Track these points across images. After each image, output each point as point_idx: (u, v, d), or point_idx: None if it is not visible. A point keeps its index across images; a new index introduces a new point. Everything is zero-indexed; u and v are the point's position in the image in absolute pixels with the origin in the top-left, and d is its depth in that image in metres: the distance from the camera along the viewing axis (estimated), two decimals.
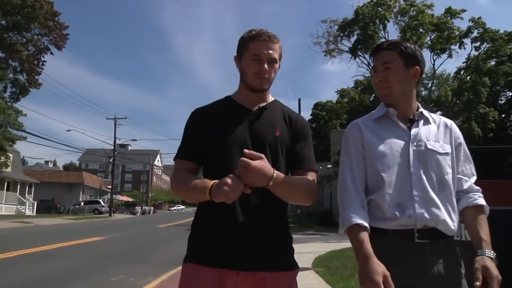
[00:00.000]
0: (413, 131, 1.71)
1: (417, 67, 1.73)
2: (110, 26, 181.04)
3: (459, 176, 1.75)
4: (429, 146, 1.68)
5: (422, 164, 1.66)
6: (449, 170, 1.70)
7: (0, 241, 13.56)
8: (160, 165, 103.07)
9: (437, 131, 1.75)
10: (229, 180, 1.51)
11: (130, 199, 67.94)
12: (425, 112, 1.78)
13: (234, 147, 1.68)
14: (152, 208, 61.18)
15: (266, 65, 1.72)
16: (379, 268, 1.46)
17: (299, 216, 32.33)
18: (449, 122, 1.81)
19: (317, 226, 30.69)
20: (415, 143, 1.69)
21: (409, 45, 1.74)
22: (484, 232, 1.63)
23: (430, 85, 37.59)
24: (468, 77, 33.41)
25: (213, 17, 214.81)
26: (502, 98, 41.24)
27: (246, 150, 1.55)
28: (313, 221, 34.31)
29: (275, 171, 1.58)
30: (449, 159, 1.71)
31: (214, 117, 1.76)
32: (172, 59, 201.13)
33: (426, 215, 1.59)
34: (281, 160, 1.71)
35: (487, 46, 32.10)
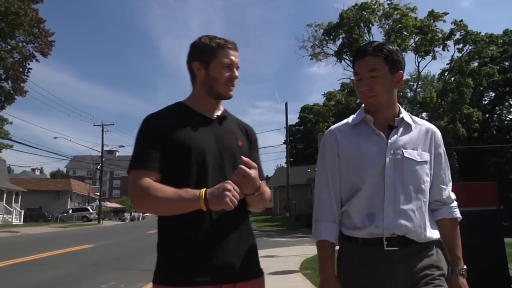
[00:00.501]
0: (391, 138, 1.69)
1: (401, 71, 1.71)
2: (96, 32, 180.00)
3: (438, 185, 1.75)
4: (406, 155, 1.67)
5: (398, 173, 1.65)
6: (427, 179, 1.70)
7: None
8: None
9: (416, 138, 1.72)
10: (230, 186, 1.48)
11: (118, 206, 67.48)
12: (407, 117, 1.75)
13: (205, 155, 1.64)
14: (141, 214, 60.83)
15: (236, 73, 1.74)
16: (337, 285, 1.64)
17: (287, 219, 32.54)
18: (431, 128, 1.78)
19: (306, 229, 30.83)
20: (392, 151, 1.67)
21: (392, 48, 1.70)
22: (458, 248, 1.73)
23: (415, 86, 38.17)
24: (452, 78, 34.02)
25: (200, 21, 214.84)
26: (486, 98, 42.07)
27: (244, 158, 1.55)
28: (302, 224, 34.47)
29: (260, 181, 1.61)
30: (427, 167, 1.70)
31: (176, 123, 1.67)
32: (159, 63, 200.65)
33: (394, 225, 1.61)
34: None
35: (470, 48, 32.80)
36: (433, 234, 1.70)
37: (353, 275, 1.66)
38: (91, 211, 47.39)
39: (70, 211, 47.10)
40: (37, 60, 34.40)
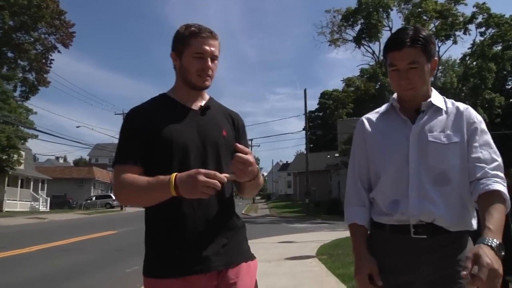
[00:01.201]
0: (416, 123, 1.65)
1: (435, 58, 1.66)
2: (115, 21, 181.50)
3: (473, 163, 1.59)
4: (430, 139, 1.61)
5: (423, 158, 1.60)
6: (456, 162, 1.59)
7: (20, 236, 14.20)
8: None
9: (445, 121, 1.65)
10: (202, 174, 1.40)
11: None
12: (436, 100, 1.68)
13: (187, 148, 1.62)
14: None
15: (209, 63, 1.68)
16: (368, 263, 1.61)
17: (307, 206, 32.78)
18: (463, 107, 1.69)
19: (325, 215, 31.06)
20: (416, 136, 1.63)
21: (426, 34, 1.62)
22: (492, 219, 1.42)
23: (435, 71, 37.54)
24: (474, 63, 33.40)
25: (218, 8, 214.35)
26: (509, 83, 41.18)
27: (238, 145, 1.51)
28: (321, 210, 34.69)
29: (257, 166, 1.59)
30: (457, 149, 1.60)
31: (157, 116, 1.66)
32: None
33: (419, 211, 1.56)
34: (229, 161, 1.63)
35: (492, 31, 32.11)
36: (468, 223, 1.60)
37: (378, 259, 1.63)
38: (113, 198, 48.44)
39: (94, 198, 48.31)
40: (59, 51, 35.27)
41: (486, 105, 33.73)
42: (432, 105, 1.66)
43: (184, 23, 1.73)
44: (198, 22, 1.72)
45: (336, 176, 38.04)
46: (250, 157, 1.51)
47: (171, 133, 1.63)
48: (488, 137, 1.65)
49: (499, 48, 33.38)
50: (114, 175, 1.65)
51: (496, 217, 1.44)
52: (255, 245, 10.27)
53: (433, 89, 1.71)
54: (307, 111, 37.11)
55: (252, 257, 1.76)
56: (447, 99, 1.72)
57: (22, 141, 33.32)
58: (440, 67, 39.04)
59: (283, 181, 72.58)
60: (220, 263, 1.62)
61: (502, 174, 1.56)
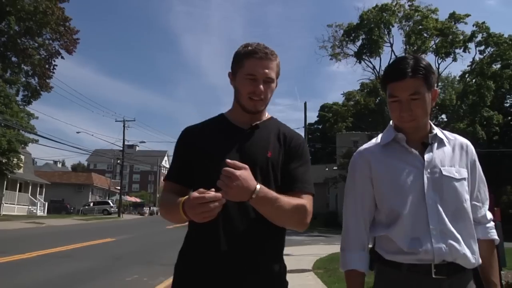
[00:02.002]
0: (427, 156, 1.59)
1: (436, 88, 1.63)
2: (118, 28, 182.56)
3: (473, 202, 1.65)
4: (444, 173, 1.57)
5: (438, 193, 1.55)
6: (467, 197, 1.59)
7: (19, 241, 14.25)
8: (167, 165, 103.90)
9: (452, 154, 1.63)
10: (195, 196, 1.35)
11: (138, 200, 68.76)
12: (439, 133, 1.66)
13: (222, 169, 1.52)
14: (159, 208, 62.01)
15: (261, 86, 1.59)
16: None
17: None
18: (465, 142, 1.70)
19: (322, 228, 31.17)
20: (429, 170, 1.57)
21: (426, 63, 1.58)
22: (495, 273, 1.62)
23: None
24: (473, 81, 33.76)
25: (221, 18, 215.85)
26: (508, 101, 41.47)
27: (229, 160, 1.38)
28: (318, 223, 34.78)
29: (258, 184, 1.42)
30: (466, 185, 1.60)
31: (205, 136, 1.66)
32: (180, 59, 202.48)
33: (445, 249, 1.51)
34: (272, 182, 1.57)
35: (491, 50, 32.52)
36: (478, 260, 1.59)
37: None
38: (111, 204, 48.54)
39: (91, 204, 48.42)
40: (62, 57, 35.49)
41: (485, 123, 34.01)
42: (436, 137, 1.63)
43: (244, 42, 1.69)
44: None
45: (334, 189, 38.18)
46: (241, 172, 1.36)
47: (211, 152, 1.61)
48: (482, 174, 1.70)
49: (498, 66, 33.77)
50: (162, 190, 1.80)
51: (496, 268, 1.62)
52: None
53: (429, 121, 1.68)
54: (307, 123, 37.38)
55: None
56: (443, 131, 1.71)
57: (23, 145, 33.45)
58: (439, 84, 39.39)
59: None
60: None
61: (491, 215, 1.71)
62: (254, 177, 1.45)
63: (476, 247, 1.58)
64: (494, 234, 1.66)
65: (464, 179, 1.60)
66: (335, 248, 12.90)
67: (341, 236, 1.69)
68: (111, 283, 7.29)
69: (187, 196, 1.43)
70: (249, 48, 1.63)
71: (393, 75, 1.58)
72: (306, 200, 1.59)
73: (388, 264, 1.59)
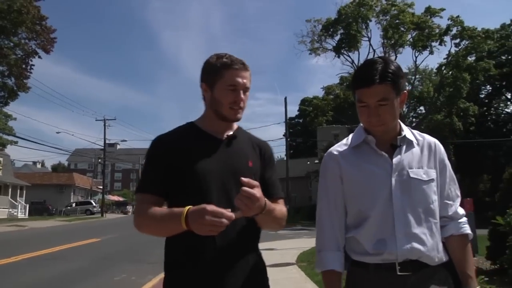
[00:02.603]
0: (395, 159, 1.61)
1: (405, 91, 1.62)
2: (96, 26, 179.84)
3: (443, 200, 1.67)
4: (412, 175, 1.60)
5: (406, 195, 1.58)
6: (435, 198, 1.63)
7: (3, 245, 14.19)
8: None
9: (420, 156, 1.65)
10: (211, 217, 1.37)
11: (120, 199, 68.28)
12: (408, 134, 1.67)
13: (211, 179, 1.60)
14: None
15: (242, 95, 1.66)
16: None
17: (287, 212, 33.11)
18: (433, 142, 1.71)
19: (305, 221, 31.53)
20: (397, 173, 1.60)
21: (395, 68, 1.58)
22: (470, 266, 1.63)
23: (413, 80, 38.74)
24: (450, 73, 34.55)
25: (199, 13, 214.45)
26: (483, 92, 42.54)
27: (243, 179, 1.44)
28: (301, 216, 35.19)
29: (265, 199, 1.51)
30: (434, 185, 1.63)
31: (183, 147, 1.64)
32: (159, 56, 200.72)
33: (408, 250, 1.55)
34: None
35: (466, 43, 33.32)
36: (444, 255, 1.65)
37: None
38: (94, 204, 48.16)
39: (74, 205, 48.00)
40: (39, 57, 34.89)
41: (461, 114, 34.88)
42: (405, 139, 1.65)
43: (214, 53, 1.72)
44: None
45: (315, 183, 38.50)
46: (256, 191, 1.44)
47: (196, 163, 1.61)
48: (452, 172, 1.72)
49: (473, 59, 34.65)
50: (135, 202, 1.69)
51: (471, 262, 1.64)
52: None
53: (399, 121, 1.69)
54: (287, 118, 37.72)
55: None
56: (413, 130, 1.73)
57: (1, 147, 32.93)
58: (417, 76, 40.18)
59: None
60: None
61: (463, 211, 1.73)
62: (238, 187, 1.51)
63: (441, 245, 1.63)
64: (466, 229, 1.68)
65: (432, 180, 1.63)
66: None
67: (316, 237, 1.71)
68: (101, 283, 7.42)
69: (189, 207, 1.44)
70: (225, 59, 1.66)
71: (361, 82, 1.58)
72: (283, 205, 1.74)
73: (356, 264, 1.63)
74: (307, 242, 13.64)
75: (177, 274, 1.61)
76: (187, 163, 1.61)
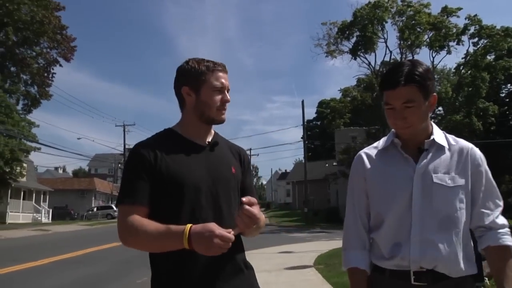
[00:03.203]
0: (420, 163, 1.58)
1: (434, 94, 1.60)
2: (113, 32, 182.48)
3: (478, 209, 1.60)
4: (435, 180, 1.56)
5: (427, 200, 1.55)
6: (461, 205, 1.56)
7: (28, 249, 14.66)
8: None
9: (449, 161, 1.60)
10: (218, 232, 1.38)
11: None
12: (439, 138, 1.63)
13: (198, 187, 1.57)
14: None
15: (228, 96, 1.69)
16: None
17: (305, 215, 33.29)
18: (467, 147, 1.64)
19: (324, 224, 31.53)
20: (420, 177, 1.57)
21: (423, 70, 1.56)
22: (509, 281, 1.50)
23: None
24: (468, 72, 34.13)
25: (215, 19, 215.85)
26: (503, 91, 41.91)
27: (244, 199, 1.46)
28: (320, 219, 35.16)
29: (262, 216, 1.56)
30: (461, 193, 1.57)
31: (166, 154, 1.59)
32: (176, 61, 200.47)
33: (421, 257, 1.52)
34: (237, 197, 1.65)
35: (485, 42, 32.89)
36: (470, 268, 1.57)
37: None
38: (114, 209, 48.83)
39: (95, 209, 48.75)
40: (60, 65, 35.89)
41: (481, 114, 34.39)
42: (435, 143, 1.61)
43: (189, 57, 1.74)
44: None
45: (334, 185, 38.58)
46: (256, 210, 1.47)
47: (181, 171, 1.58)
48: (492, 180, 1.64)
49: (492, 57, 34.18)
50: (119, 216, 1.56)
51: (511, 276, 1.50)
52: (257, 255, 10.87)
53: (433, 124, 1.67)
54: (305, 120, 37.78)
55: None
56: (448, 135, 1.68)
57: (25, 154, 33.82)
58: (435, 76, 39.78)
59: (282, 190, 72.97)
60: None
61: (506, 222, 1.61)
62: (228, 195, 1.60)
63: (466, 256, 1.56)
64: (507, 240, 1.57)
65: (460, 186, 1.57)
66: (336, 244, 13.32)
67: (342, 236, 1.74)
68: (125, 286, 7.72)
69: (190, 225, 1.43)
70: (207, 63, 1.68)
71: (386, 84, 1.59)
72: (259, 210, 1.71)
73: (374, 269, 1.63)
74: (325, 245, 13.76)
75: (166, 285, 1.57)
76: (172, 171, 1.57)
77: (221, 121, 1.71)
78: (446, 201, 1.55)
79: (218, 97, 1.66)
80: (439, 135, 1.64)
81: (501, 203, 1.64)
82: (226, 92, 1.68)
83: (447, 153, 1.61)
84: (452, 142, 1.65)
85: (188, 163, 1.61)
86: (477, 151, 1.65)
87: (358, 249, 1.65)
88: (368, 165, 1.68)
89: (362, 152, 1.75)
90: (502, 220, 1.61)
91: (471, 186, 1.59)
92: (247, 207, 1.44)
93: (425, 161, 1.59)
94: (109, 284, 7.98)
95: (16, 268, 9.65)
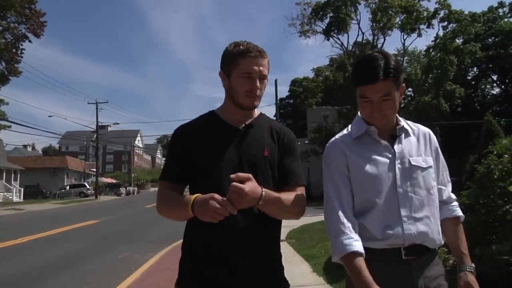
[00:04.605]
0: (396, 147, 1.68)
1: (403, 84, 1.68)
2: (85, 7, 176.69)
3: (439, 186, 1.76)
4: (413, 163, 1.67)
5: (409, 182, 1.65)
6: (434, 184, 1.70)
7: (5, 228, 14.81)
8: (140, 145, 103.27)
9: (417, 144, 1.73)
10: (216, 204, 1.44)
11: (113, 181, 68.72)
12: (405, 124, 1.75)
13: (223, 170, 1.62)
14: (136, 188, 62.21)
15: (257, 83, 1.66)
16: None
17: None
18: (428, 132, 1.79)
19: None
20: (399, 161, 1.66)
21: (395, 62, 1.62)
22: (464, 245, 1.71)
23: (401, 62, 39.27)
24: (437, 55, 35.20)
25: None
26: (470, 74, 43.35)
27: (232, 175, 1.47)
28: None
29: (263, 190, 1.53)
30: (432, 172, 1.71)
31: (201, 137, 1.69)
32: (148, 37, 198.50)
33: (415, 234, 1.60)
34: (270, 180, 1.67)
35: (453, 26, 33.95)
36: (441, 240, 1.71)
37: None
38: (88, 186, 48.60)
39: (68, 188, 48.35)
40: (29, 41, 34.80)
41: (448, 96, 35.66)
42: (403, 129, 1.73)
43: (233, 41, 1.74)
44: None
45: (306, 163, 39.28)
46: (247, 187, 1.46)
47: (210, 152, 1.66)
48: (443, 159, 1.82)
49: (460, 41, 35.32)
50: (158, 189, 1.78)
51: (464, 242, 1.72)
52: None
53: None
54: (278, 99, 38.18)
55: (285, 285, 1.75)
56: (406, 121, 1.79)
57: None
58: (406, 58, 40.76)
59: None
60: None
61: (454, 196, 1.82)
62: (255, 177, 1.52)
63: (440, 229, 1.70)
64: (459, 212, 1.78)
65: (431, 167, 1.71)
66: (307, 220, 13.96)
67: (327, 225, 1.67)
68: (105, 261, 8.07)
69: (197, 195, 1.53)
70: (242, 47, 1.67)
71: (364, 78, 1.61)
72: (301, 192, 1.72)
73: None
74: (296, 221, 14.30)
75: (193, 263, 1.69)
76: (203, 152, 1.67)
77: (250, 108, 1.72)
78: (423, 181, 1.67)
79: (247, 84, 1.65)
80: (404, 121, 1.76)
81: (449, 179, 1.83)
82: (257, 79, 1.67)
83: (413, 137, 1.74)
84: (414, 127, 1.78)
85: (219, 145, 1.68)
86: (434, 135, 1.81)
87: (352, 233, 1.59)
88: (348, 153, 1.70)
89: (337, 140, 1.77)
90: (453, 195, 1.81)
91: (434, 166, 1.73)
92: (234, 183, 1.45)
93: (400, 145, 1.69)
94: (91, 259, 8.32)
95: None
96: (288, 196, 1.64)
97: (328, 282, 5.51)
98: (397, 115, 1.73)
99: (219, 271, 1.61)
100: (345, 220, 1.62)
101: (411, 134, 1.74)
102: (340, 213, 1.63)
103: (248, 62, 1.65)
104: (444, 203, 1.76)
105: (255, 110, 1.78)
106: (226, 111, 1.76)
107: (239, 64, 1.65)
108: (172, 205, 1.66)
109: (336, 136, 1.80)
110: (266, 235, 1.69)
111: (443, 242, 1.72)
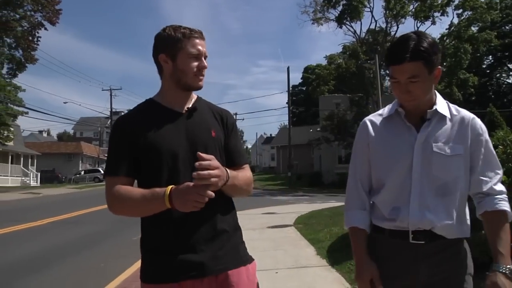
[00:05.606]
0: (422, 131, 1.64)
1: (439, 67, 1.61)
2: None
3: (477, 176, 1.65)
4: (435, 149, 1.61)
5: (426, 168, 1.61)
6: (458, 173, 1.63)
7: (25, 211, 15.37)
8: None
9: (450, 131, 1.64)
10: (195, 192, 1.45)
11: None
12: (441, 108, 1.66)
13: (175, 153, 1.63)
14: None
15: (205, 62, 1.70)
16: (369, 268, 1.65)
17: (289, 179, 34.33)
18: (468, 116, 1.68)
19: (307, 188, 32.59)
20: (420, 146, 1.62)
21: (428, 45, 1.56)
22: (503, 243, 1.56)
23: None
24: (451, 43, 34.80)
25: None
26: (485, 63, 42.80)
27: (199, 153, 1.51)
28: (303, 183, 36.21)
29: (227, 170, 1.59)
30: (460, 161, 1.62)
31: (145, 125, 1.66)
32: (161, 24, 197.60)
33: (419, 220, 1.60)
34: (219, 161, 1.63)
35: (468, 13, 33.46)
36: (464, 232, 1.67)
37: (377, 264, 1.67)
38: (102, 172, 49.42)
39: (82, 173, 49.27)
40: (45, 29, 35.33)
41: (461, 84, 35.31)
42: (437, 113, 1.65)
43: (164, 25, 1.74)
44: None
45: (317, 150, 39.49)
46: (214, 171, 1.50)
47: (158, 139, 1.64)
48: (492, 149, 1.68)
49: (475, 29, 34.84)
50: (106, 187, 1.66)
51: (505, 239, 1.57)
52: (242, 215, 11.58)
53: (437, 94, 1.69)
54: (290, 86, 38.28)
55: (250, 260, 1.75)
56: (451, 105, 1.71)
57: (12, 118, 33.91)
58: None
59: (267, 154, 73.93)
60: (217, 267, 1.63)
61: (504, 188, 1.65)
62: None
63: (462, 220, 1.65)
64: (502, 205, 1.62)
65: (458, 155, 1.62)
66: (316, 206, 14.34)
67: (345, 198, 1.82)
68: (121, 242, 8.52)
69: (171, 186, 1.52)
70: (183, 30, 1.68)
71: (392, 59, 1.60)
72: (249, 170, 1.81)
73: (374, 229, 1.72)
74: (306, 207, 14.71)
75: (153, 249, 1.66)
76: (150, 140, 1.63)
77: (198, 87, 1.73)
78: (444, 169, 1.61)
79: (195, 64, 1.68)
80: (442, 105, 1.68)
81: (500, 172, 1.68)
82: (203, 58, 1.70)
83: (449, 123, 1.65)
84: (454, 112, 1.68)
85: (165, 131, 1.66)
86: (478, 121, 1.69)
87: (359, 209, 1.73)
88: (372, 132, 1.73)
89: (367, 119, 1.80)
90: (500, 187, 1.65)
91: (471, 154, 1.64)
92: (202, 162, 1.48)
93: (426, 130, 1.63)
94: (107, 240, 8.78)
95: (20, 227, 10.44)
96: (241, 174, 1.72)
97: (330, 264, 5.80)
98: (438, 96, 1.69)
99: (184, 255, 1.61)
100: (356, 197, 1.75)
101: (447, 119, 1.66)
102: (354, 189, 1.76)
103: (193, 43, 1.68)
104: (485, 195, 1.65)
105: (193, 93, 1.79)
106: (166, 97, 1.74)
107: (185, 46, 1.66)
108: (136, 202, 1.59)
109: (370, 115, 1.84)
110: (224, 211, 1.71)
111: (468, 235, 1.67)
